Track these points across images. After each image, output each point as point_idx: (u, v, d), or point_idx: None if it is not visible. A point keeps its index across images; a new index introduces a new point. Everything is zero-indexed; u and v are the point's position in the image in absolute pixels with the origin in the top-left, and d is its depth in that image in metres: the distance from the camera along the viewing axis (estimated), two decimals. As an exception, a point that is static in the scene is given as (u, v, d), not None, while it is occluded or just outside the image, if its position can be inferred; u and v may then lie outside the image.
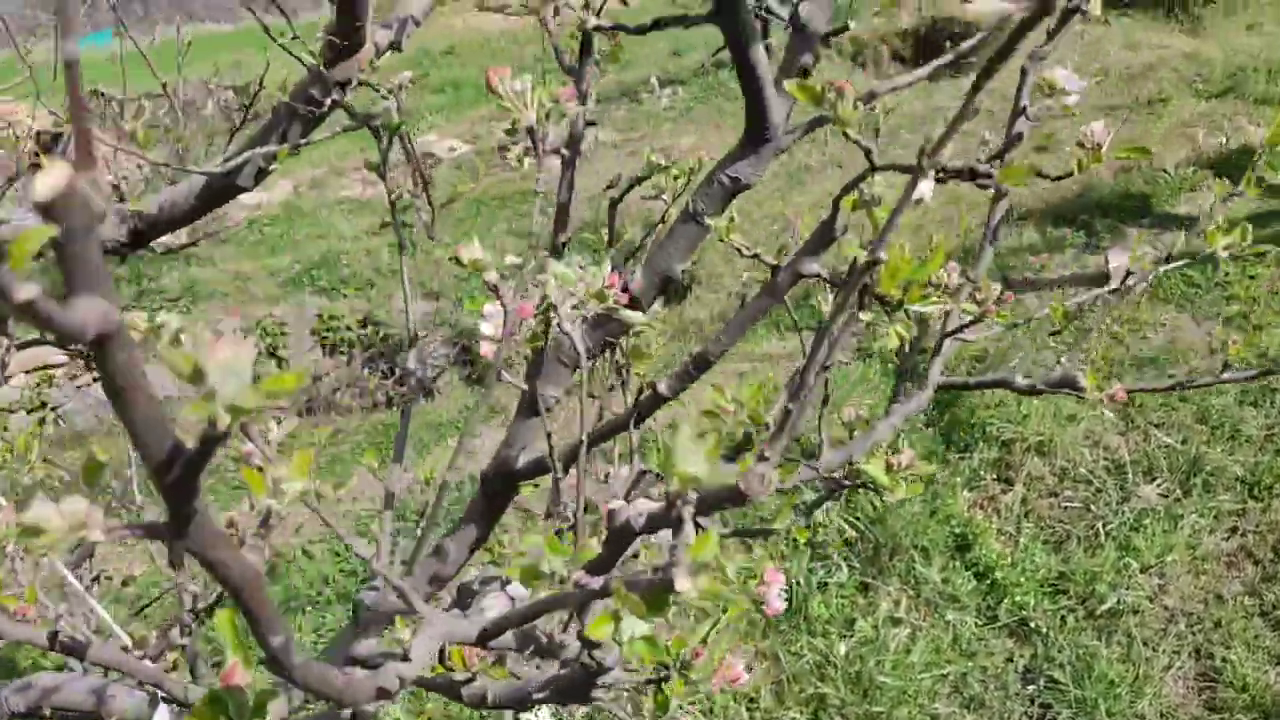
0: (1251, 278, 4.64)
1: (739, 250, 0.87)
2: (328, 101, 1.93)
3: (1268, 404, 4.08)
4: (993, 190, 1.30)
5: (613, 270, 1.30)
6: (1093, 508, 3.89)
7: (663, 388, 0.85)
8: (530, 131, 0.62)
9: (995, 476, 4.12)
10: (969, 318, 1.15)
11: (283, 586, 4.21)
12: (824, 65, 11.28)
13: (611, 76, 10.47)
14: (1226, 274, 4.64)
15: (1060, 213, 5.45)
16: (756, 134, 0.85)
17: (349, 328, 8.15)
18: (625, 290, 0.79)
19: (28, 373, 7.72)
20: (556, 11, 0.90)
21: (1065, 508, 3.93)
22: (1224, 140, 6.06)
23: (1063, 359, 4.26)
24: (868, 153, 0.62)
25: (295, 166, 10.90)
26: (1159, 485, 3.88)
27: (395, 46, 1.98)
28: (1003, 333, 4.85)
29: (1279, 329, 4.37)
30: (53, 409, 7.75)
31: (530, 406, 0.91)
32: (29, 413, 7.63)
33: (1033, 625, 3.51)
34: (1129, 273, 1.23)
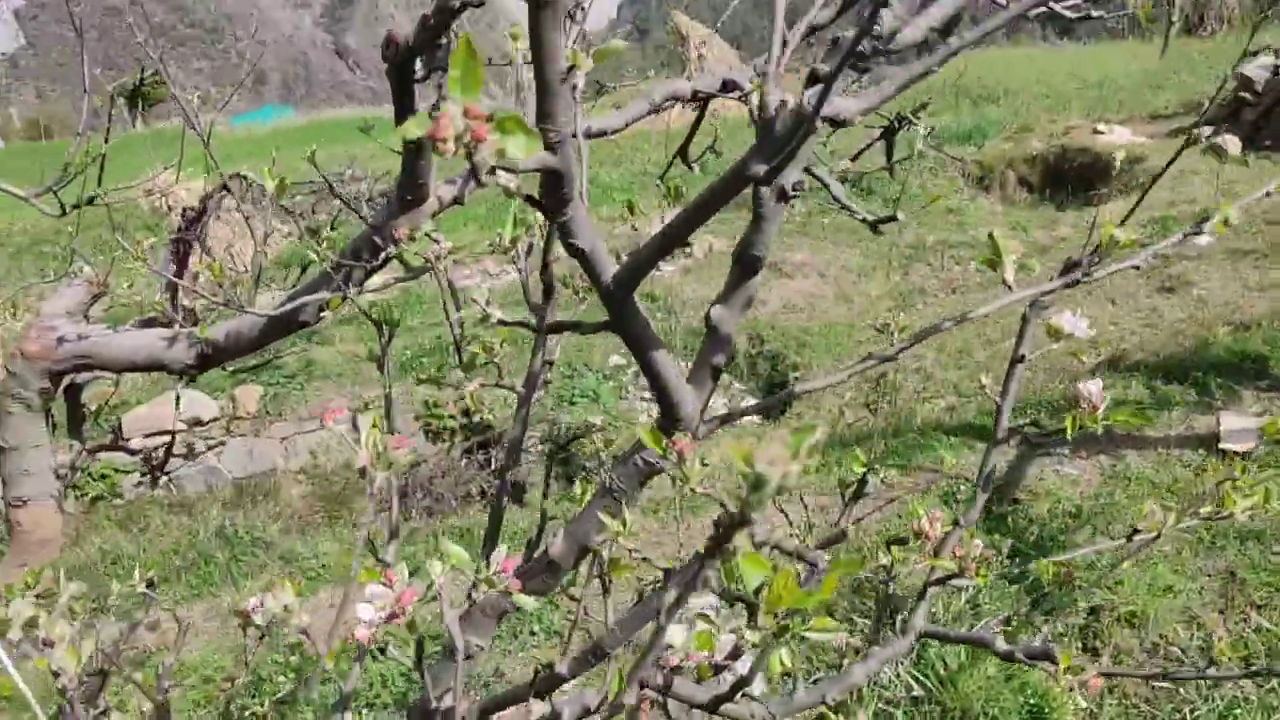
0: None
1: (629, 552, 0.85)
2: (385, 252, 1.99)
3: (1384, 594, 3.80)
4: (1015, 361, 1.25)
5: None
6: (1182, 690, 3.65)
7: (562, 668, 0.84)
8: (362, 472, 0.62)
9: (1080, 645, 3.91)
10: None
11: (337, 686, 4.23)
12: (943, 185, 11.17)
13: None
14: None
15: (1171, 368, 5.23)
16: (670, 425, 0.84)
17: (452, 416, 8.32)
18: (520, 573, 0.78)
19: (145, 437, 8.08)
20: (530, 250, 0.92)
21: (1153, 687, 3.70)
22: (1361, 297, 5.78)
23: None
24: (723, 505, 0.60)
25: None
26: (1256, 673, 3.62)
27: (458, 201, 2.03)
28: (1100, 488, 4.67)
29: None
30: (166, 474, 8.08)
31: (449, 653, 0.91)
32: (143, 476, 7.96)
33: (1105, 815, 3.29)
34: (1135, 530, 1.16)
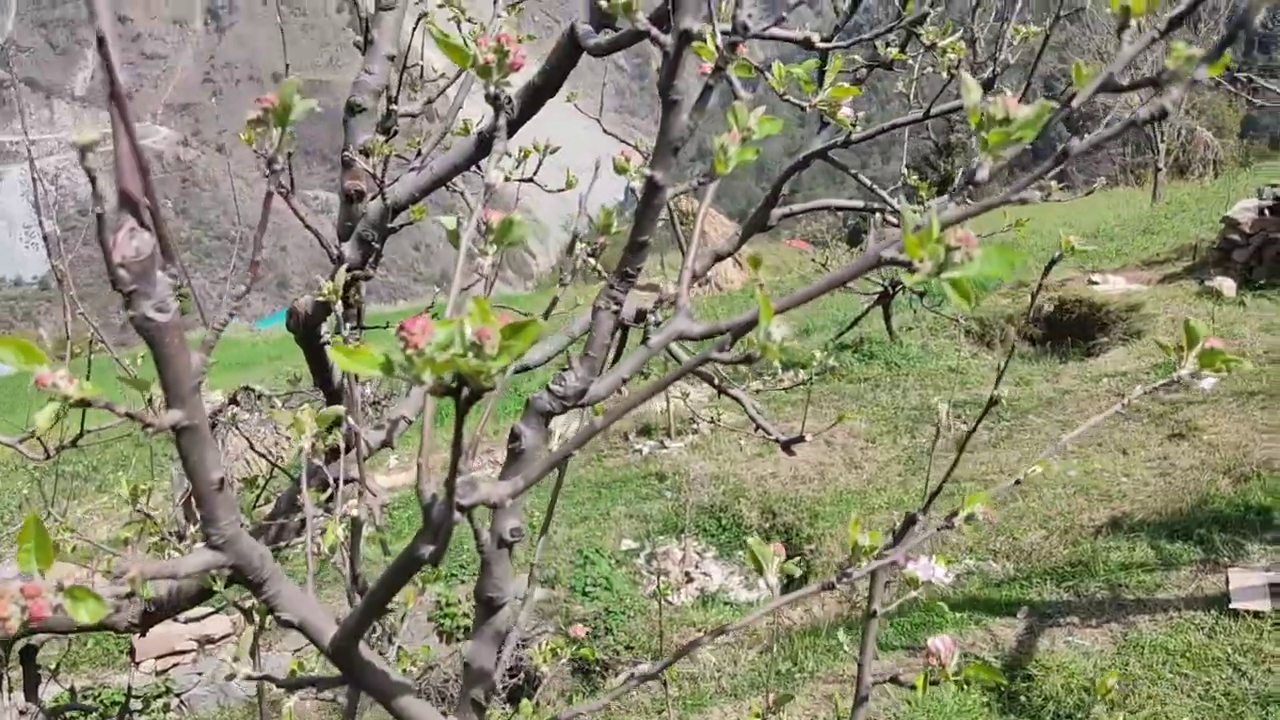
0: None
1: None
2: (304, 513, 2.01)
3: None
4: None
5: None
6: None
7: None
8: None
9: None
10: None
11: None
12: (944, 345, 11.10)
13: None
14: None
15: (1175, 525, 5.13)
16: (438, 765, 0.84)
17: (465, 614, 8.21)
18: None
19: (157, 658, 7.99)
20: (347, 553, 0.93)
21: None
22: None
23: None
24: None
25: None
26: None
27: (387, 444, 2.07)
28: (1115, 658, 4.50)
29: None
30: (177, 695, 7.95)
31: None
32: (154, 699, 7.84)
33: None
34: None
